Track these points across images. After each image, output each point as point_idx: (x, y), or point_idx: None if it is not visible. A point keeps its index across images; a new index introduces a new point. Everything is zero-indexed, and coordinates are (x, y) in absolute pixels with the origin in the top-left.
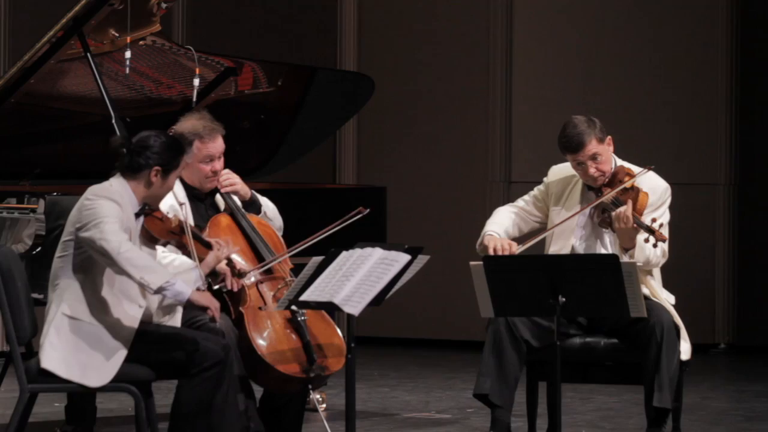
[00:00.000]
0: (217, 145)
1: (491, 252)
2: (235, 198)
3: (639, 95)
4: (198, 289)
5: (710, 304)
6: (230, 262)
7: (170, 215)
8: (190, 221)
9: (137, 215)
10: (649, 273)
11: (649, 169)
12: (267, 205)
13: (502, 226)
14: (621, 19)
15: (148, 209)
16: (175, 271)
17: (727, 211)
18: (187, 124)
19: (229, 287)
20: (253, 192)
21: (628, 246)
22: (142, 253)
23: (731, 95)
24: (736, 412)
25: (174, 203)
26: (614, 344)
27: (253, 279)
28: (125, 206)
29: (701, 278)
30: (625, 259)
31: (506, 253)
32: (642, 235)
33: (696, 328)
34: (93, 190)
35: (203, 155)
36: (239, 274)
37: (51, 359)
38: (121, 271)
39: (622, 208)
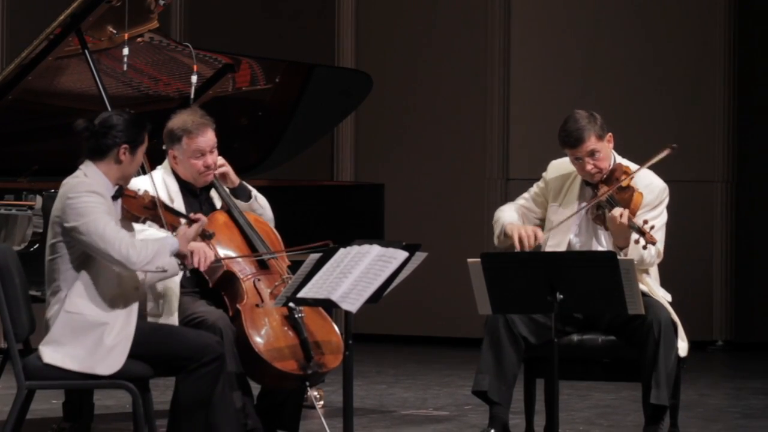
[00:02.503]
0: (207, 139)
1: (516, 240)
2: (225, 188)
3: (636, 93)
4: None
5: (708, 301)
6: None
7: (140, 192)
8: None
9: (114, 198)
10: (646, 271)
11: (671, 148)
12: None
13: (515, 220)
14: (619, 16)
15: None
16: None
17: (724, 208)
18: (176, 121)
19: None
20: (241, 180)
21: (623, 245)
22: (141, 244)
23: (728, 93)
24: (734, 409)
25: (170, 193)
26: (612, 341)
27: (248, 272)
28: (104, 194)
29: (699, 275)
30: (621, 256)
31: (531, 240)
32: (633, 236)
33: (693, 326)
34: (71, 185)
35: (192, 150)
36: (208, 236)
37: (58, 356)
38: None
39: (617, 210)
